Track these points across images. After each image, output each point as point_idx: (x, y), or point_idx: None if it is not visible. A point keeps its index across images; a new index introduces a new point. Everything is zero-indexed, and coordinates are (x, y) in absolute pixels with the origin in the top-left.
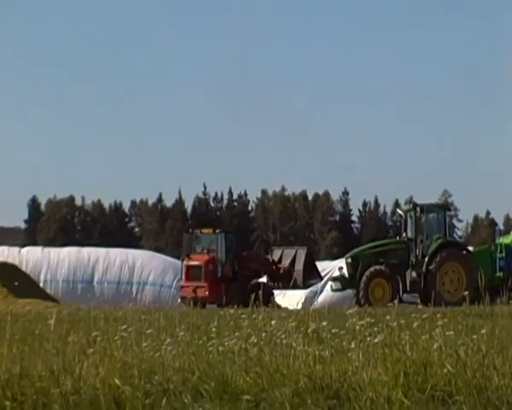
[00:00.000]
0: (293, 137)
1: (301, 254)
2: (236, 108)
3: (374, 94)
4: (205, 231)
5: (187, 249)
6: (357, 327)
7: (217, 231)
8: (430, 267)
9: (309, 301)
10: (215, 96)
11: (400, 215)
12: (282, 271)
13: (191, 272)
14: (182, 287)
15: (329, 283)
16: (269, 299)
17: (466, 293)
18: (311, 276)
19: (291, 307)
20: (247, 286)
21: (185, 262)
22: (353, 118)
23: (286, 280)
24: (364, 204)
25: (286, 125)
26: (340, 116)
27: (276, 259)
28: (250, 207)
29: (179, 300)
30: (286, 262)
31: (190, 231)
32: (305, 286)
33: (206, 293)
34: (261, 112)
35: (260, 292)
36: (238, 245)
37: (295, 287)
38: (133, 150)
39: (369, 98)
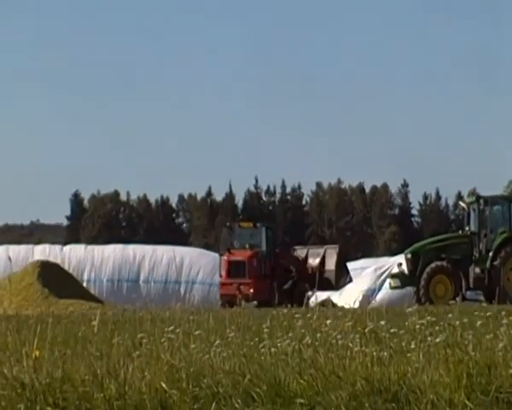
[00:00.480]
0: (349, 127)
1: (332, 253)
2: (289, 97)
3: (435, 83)
4: (244, 224)
5: (225, 244)
6: (418, 326)
7: (257, 224)
8: (495, 263)
9: (366, 299)
10: (266, 86)
11: (463, 208)
12: (310, 271)
13: (233, 269)
14: (222, 284)
15: (388, 280)
16: (302, 300)
17: None
18: (343, 276)
19: (347, 306)
20: (283, 285)
21: (225, 257)
22: (414, 107)
23: (314, 280)
24: (425, 197)
25: (341, 114)
26: (399, 106)
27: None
28: (304, 201)
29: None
30: (313, 262)
31: (228, 224)
32: (337, 287)
33: (251, 291)
34: (315, 101)
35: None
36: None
37: (326, 288)
38: (181, 142)
39: (430, 87)
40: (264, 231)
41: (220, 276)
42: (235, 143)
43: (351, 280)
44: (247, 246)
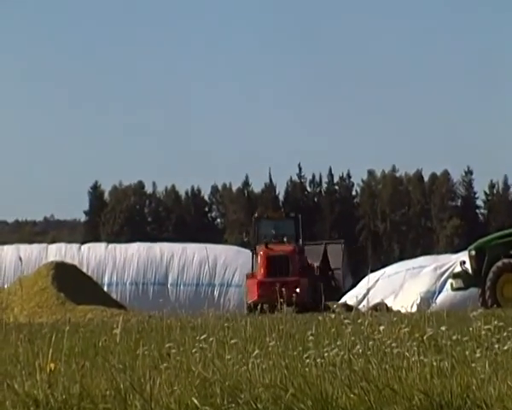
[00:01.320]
0: (405, 107)
1: (337, 250)
2: (337, 76)
3: (498, 65)
4: (274, 215)
5: (256, 238)
6: (483, 332)
7: (291, 214)
8: None
9: (425, 302)
10: (312, 65)
11: None
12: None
13: (274, 266)
14: (260, 284)
15: (449, 281)
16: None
17: None
18: (346, 277)
19: (403, 311)
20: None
21: (262, 252)
22: (477, 86)
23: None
24: (491, 186)
25: (395, 93)
26: (460, 83)
27: None
28: (354, 192)
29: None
30: (312, 262)
31: (256, 215)
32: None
33: (298, 290)
34: (365, 79)
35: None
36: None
37: (334, 295)
38: (214, 127)
39: (498, 66)
40: (299, 223)
41: (251, 275)
42: (276, 127)
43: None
44: (273, 239)
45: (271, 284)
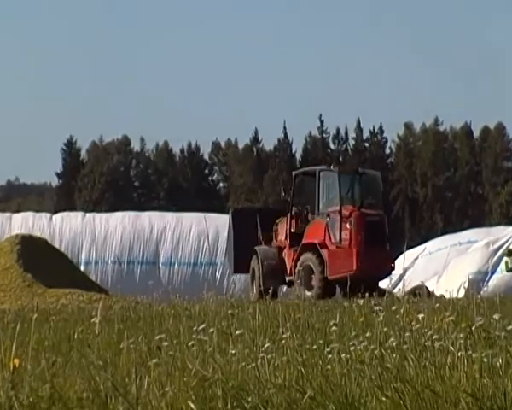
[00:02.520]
0: (447, 47)
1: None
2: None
3: None
4: (343, 169)
5: (318, 197)
6: None
7: (360, 170)
8: None
9: (475, 285)
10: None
11: None
12: None
13: (372, 233)
14: (359, 253)
15: (504, 259)
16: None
17: None
18: None
19: (448, 295)
20: None
21: (357, 215)
22: None
23: None
24: None
25: (436, 29)
26: None
27: None
28: (388, 150)
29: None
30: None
31: (324, 167)
32: None
33: (392, 266)
34: (397, 14)
35: None
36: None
37: None
38: (213, 69)
39: None
40: (376, 180)
41: (322, 242)
42: (291, 71)
43: None
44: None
45: (372, 255)
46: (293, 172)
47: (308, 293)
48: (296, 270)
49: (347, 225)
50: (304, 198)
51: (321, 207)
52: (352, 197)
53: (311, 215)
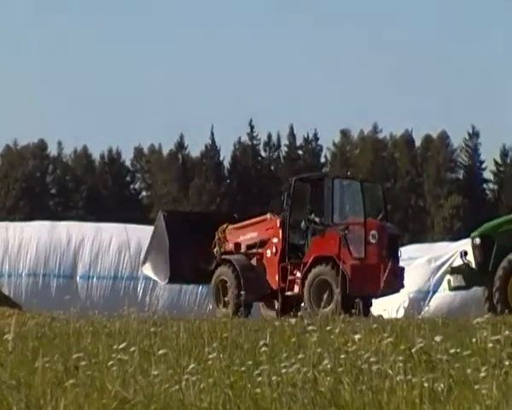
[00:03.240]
0: (389, 48)
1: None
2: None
3: None
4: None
5: (331, 206)
6: (490, 345)
7: (366, 182)
8: None
9: (416, 305)
10: None
11: None
12: None
13: (392, 248)
14: (385, 268)
15: (447, 277)
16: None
17: None
18: None
19: (387, 315)
20: None
21: (380, 228)
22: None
23: None
24: (504, 153)
25: (379, 31)
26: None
27: None
28: (323, 158)
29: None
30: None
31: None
32: None
33: (403, 283)
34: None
35: None
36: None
37: None
38: (136, 68)
39: None
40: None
41: (336, 254)
42: (218, 72)
43: None
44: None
45: (394, 271)
46: (293, 178)
47: (325, 309)
48: (306, 284)
49: (371, 239)
50: (298, 206)
51: (335, 218)
52: (366, 210)
53: (315, 226)
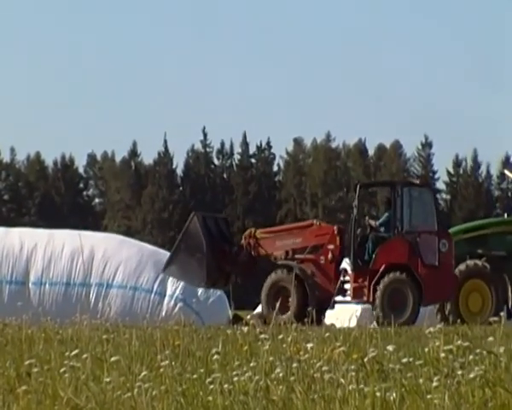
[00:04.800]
0: (338, 55)
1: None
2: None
3: None
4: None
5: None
6: (443, 355)
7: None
8: None
9: (368, 315)
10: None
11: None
12: None
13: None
14: (454, 279)
15: None
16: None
17: None
18: None
19: (339, 325)
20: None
21: (449, 236)
22: (435, 33)
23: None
24: (457, 163)
25: (323, 38)
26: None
27: None
28: (276, 167)
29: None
30: None
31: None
32: None
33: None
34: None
35: None
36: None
37: None
38: (90, 72)
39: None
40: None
41: (409, 261)
42: (171, 78)
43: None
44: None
45: (457, 279)
46: (358, 184)
47: (401, 317)
48: (378, 292)
49: (441, 248)
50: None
51: (405, 225)
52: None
53: (378, 233)
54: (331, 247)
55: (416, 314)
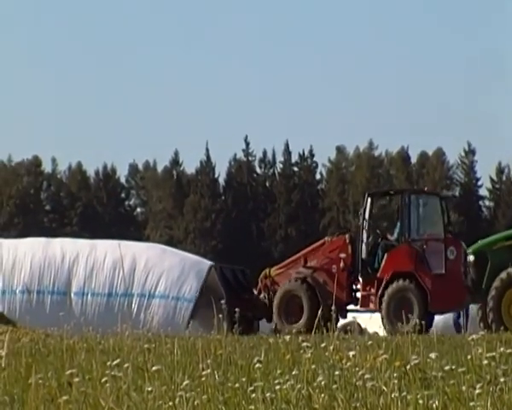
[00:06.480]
0: (384, 67)
1: None
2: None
3: None
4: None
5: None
6: (485, 362)
7: (443, 194)
8: None
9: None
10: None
11: None
12: None
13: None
14: (463, 287)
15: None
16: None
17: None
18: None
19: (382, 333)
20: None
21: (458, 245)
22: (478, 42)
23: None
24: (500, 170)
25: (373, 48)
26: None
27: None
28: (319, 175)
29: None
30: None
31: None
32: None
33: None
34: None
35: None
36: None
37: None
38: (131, 86)
39: None
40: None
41: (418, 269)
42: (213, 87)
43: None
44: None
45: (468, 287)
46: (367, 193)
47: (406, 326)
48: (384, 301)
49: (449, 256)
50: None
51: (412, 233)
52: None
53: (387, 241)
54: (343, 255)
55: (429, 322)
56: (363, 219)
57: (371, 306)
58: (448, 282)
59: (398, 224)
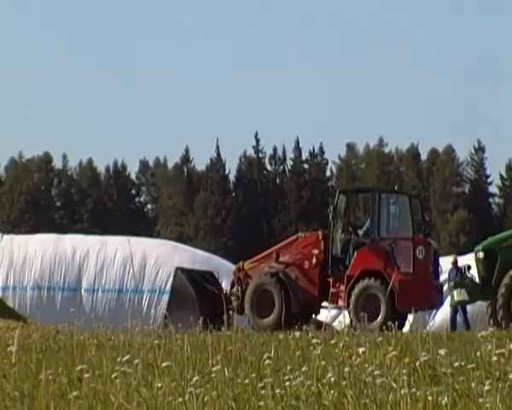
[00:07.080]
0: (394, 63)
1: None
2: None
3: None
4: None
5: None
6: (495, 358)
7: (412, 193)
8: None
9: (421, 319)
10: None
11: None
12: None
13: (436, 264)
14: (431, 287)
15: (450, 293)
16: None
17: None
18: None
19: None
20: None
21: (425, 244)
22: (487, 41)
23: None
24: (509, 167)
25: (383, 45)
26: (468, 33)
27: None
28: (329, 172)
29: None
30: None
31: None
32: None
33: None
34: (346, 26)
35: None
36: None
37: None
38: (142, 83)
39: None
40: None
41: (392, 269)
42: (223, 84)
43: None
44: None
45: (437, 287)
46: (337, 190)
47: (373, 323)
48: (352, 298)
49: (418, 255)
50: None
51: (381, 231)
52: (414, 225)
53: (358, 239)
54: (315, 252)
55: (402, 321)
56: (334, 216)
57: (340, 303)
58: (416, 281)
59: (368, 221)
